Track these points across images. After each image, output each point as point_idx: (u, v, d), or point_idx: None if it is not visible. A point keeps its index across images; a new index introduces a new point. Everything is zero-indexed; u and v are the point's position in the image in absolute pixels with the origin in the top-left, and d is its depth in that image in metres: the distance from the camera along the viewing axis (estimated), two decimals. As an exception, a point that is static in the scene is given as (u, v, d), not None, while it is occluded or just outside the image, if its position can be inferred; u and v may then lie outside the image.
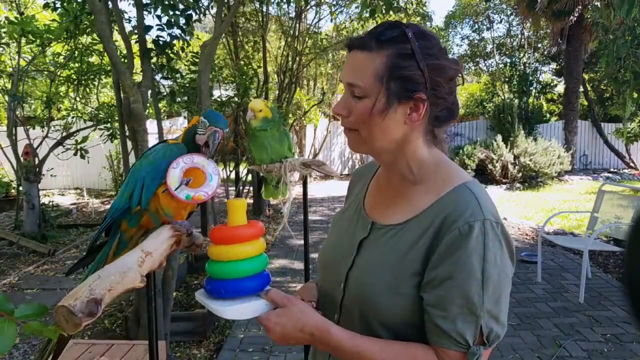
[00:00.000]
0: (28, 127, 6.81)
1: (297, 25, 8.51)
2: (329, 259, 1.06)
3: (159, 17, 3.59)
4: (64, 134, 7.07)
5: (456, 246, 0.85)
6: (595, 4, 11.61)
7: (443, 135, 1.00)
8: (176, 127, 12.55)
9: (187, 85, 4.99)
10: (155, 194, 1.07)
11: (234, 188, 7.98)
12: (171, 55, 3.69)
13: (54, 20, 5.60)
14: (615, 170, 14.59)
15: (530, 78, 16.02)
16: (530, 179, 11.57)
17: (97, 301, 0.77)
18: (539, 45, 17.13)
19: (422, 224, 0.91)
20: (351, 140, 0.97)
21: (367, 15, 5.50)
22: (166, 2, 3.43)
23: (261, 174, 1.84)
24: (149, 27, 3.43)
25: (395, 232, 0.94)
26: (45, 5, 4.35)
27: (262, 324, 0.93)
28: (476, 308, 0.84)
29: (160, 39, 3.48)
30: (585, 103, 15.83)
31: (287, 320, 0.91)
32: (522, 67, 16.19)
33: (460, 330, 0.85)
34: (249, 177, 8.22)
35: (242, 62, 7.46)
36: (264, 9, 7.91)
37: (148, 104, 4.09)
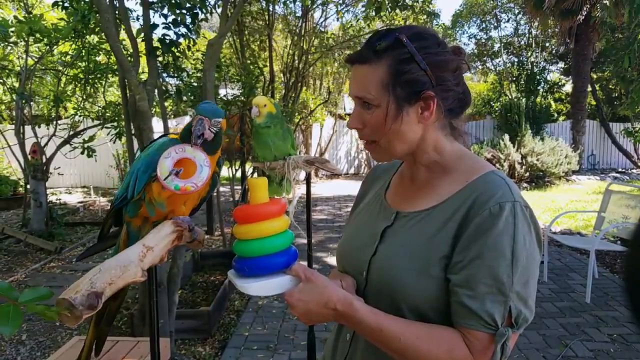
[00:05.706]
0: (35, 125, 6.86)
1: (304, 24, 8.51)
2: (348, 249, 1.05)
3: (165, 16, 3.60)
4: (71, 132, 7.12)
5: (486, 226, 0.85)
6: (604, 2, 11.52)
7: (463, 127, 1.01)
8: (182, 125, 12.62)
9: (194, 84, 5.00)
10: (149, 185, 1.07)
11: (239, 187, 8.00)
12: (177, 53, 3.70)
13: (61, 19, 5.64)
14: (624, 170, 14.49)
15: (538, 77, 15.95)
16: (538, 178, 11.51)
17: (97, 294, 0.78)
18: (547, 44, 17.04)
19: (450, 208, 0.91)
20: (373, 152, 0.99)
21: (373, 13, 5.50)
22: (172, 1, 3.44)
23: (265, 172, 1.84)
24: (155, 26, 3.44)
25: (422, 217, 0.94)
26: (54, 4, 4.36)
27: (285, 301, 0.91)
28: (505, 288, 0.83)
29: (167, 37, 3.49)
30: (594, 102, 15.72)
31: (310, 297, 0.88)
32: (530, 66, 16.12)
33: (488, 309, 0.83)
34: (255, 175, 8.24)
35: (248, 61, 7.47)
36: (271, 8, 7.92)
37: (154, 103, 4.11)
